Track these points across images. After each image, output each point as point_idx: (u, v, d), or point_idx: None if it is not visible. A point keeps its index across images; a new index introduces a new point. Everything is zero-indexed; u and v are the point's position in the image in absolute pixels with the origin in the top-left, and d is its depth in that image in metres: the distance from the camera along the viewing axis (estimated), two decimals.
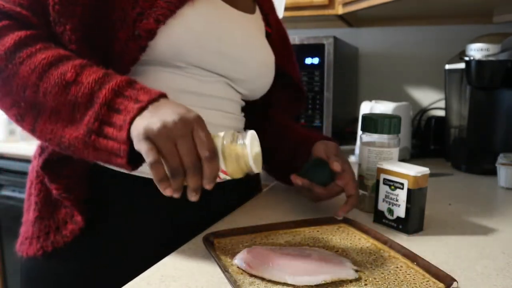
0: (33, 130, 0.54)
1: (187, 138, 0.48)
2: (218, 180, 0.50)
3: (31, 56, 0.53)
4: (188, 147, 0.47)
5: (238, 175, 0.51)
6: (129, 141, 0.49)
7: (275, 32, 0.81)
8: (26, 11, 0.55)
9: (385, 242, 0.58)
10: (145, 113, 0.49)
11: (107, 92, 0.50)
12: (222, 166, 0.50)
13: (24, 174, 1.63)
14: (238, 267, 0.50)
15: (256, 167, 0.50)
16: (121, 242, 0.63)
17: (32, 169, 0.69)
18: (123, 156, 0.49)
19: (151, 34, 0.56)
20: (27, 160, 1.62)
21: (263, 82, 0.75)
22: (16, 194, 1.66)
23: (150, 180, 0.50)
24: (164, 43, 0.58)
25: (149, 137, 0.47)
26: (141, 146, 0.47)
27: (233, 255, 0.52)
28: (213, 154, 0.48)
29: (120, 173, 0.62)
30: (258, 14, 0.78)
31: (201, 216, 0.67)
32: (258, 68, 0.72)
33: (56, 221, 0.63)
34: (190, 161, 0.47)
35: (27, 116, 0.53)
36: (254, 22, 0.75)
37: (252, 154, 0.49)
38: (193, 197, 0.49)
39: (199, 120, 0.49)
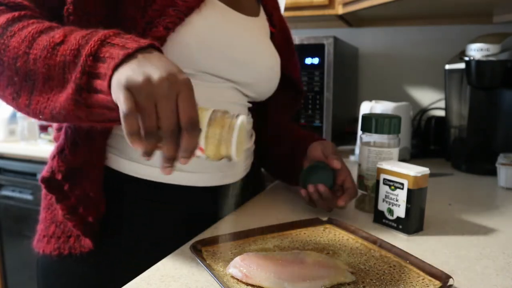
0: (29, 104, 0.51)
1: (170, 100, 0.42)
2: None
3: (22, 29, 0.51)
4: (169, 110, 0.42)
5: (215, 158, 0.47)
6: (110, 81, 0.45)
7: (278, 32, 0.82)
8: (30, 2, 0.55)
9: (374, 241, 0.58)
10: (132, 62, 0.44)
11: (94, 42, 0.47)
12: (202, 143, 0.45)
13: (24, 174, 1.63)
14: (232, 276, 0.48)
15: (237, 154, 0.46)
16: (137, 253, 0.63)
17: (55, 171, 0.67)
18: (115, 113, 0.45)
19: (161, 41, 0.57)
20: (27, 160, 1.62)
21: (270, 85, 0.76)
22: (16, 194, 1.66)
23: (165, 187, 0.51)
24: (174, 51, 0.59)
25: (129, 88, 0.42)
26: (118, 95, 0.43)
27: (224, 263, 0.52)
28: (195, 125, 0.43)
29: (135, 186, 0.63)
30: (262, 15, 0.79)
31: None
32: (266, 72, 0.73)
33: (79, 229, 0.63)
34: (167, 125, 0.42)
35: (22, 90, 0.51)
36: (260, 25, 0.76)
37: (235, 140, 0.45)
38: (166, 169, 0.45)
39: (188, 84, 0.44)
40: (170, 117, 0.42)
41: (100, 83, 0.46)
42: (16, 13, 0.53)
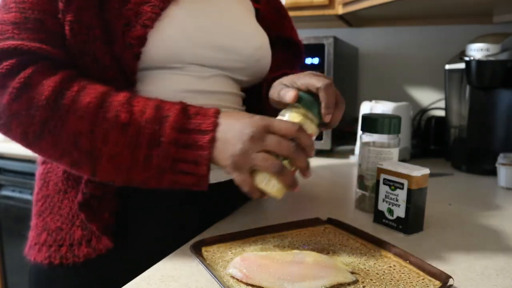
0: (93, 175, 0.55)
1: (269, 140, 0.52)
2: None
3: (75, 102, 0.52)
4: (276, 144, 0.52)
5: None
6: (209, 172, 0.53)
7: (264, 4, 0.80)
8: (46, 45, 0.54)
9: (375, 241, 0.58)
10: (218, 143, 0.53)
11: (169, 131, 0.52)
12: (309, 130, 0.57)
13: (24, 174, 1.63)
14: (232, 276, 0.48)
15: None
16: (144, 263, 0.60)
17: (46, 177, 0.67)
18: (204, 186, 0.54)
19: (142, 40, 0.56)
20: (27, 160, 1.62)
21: (262, 64, 0.73)
22: (16, 194, 1.66)
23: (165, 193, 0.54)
24: (157, 47, 0.58)
25: (237, 167, 0.52)
26: (233, 176, 0.53)
27: (224, 263, 0.51)
28: (299, 127, 0.53)
29: (140, 194, 0.62)
30: None
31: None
32: (253, 53, 0.70)
33: (72, 238, 0.63)
34: (285, 151, 0.52)
35: (83, 163, 0.53)
36: (241, 4, 0.74)
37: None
38: (307, 174, 0.55)
39: (264, 119, 0.53)
40: (281, 147, 0.52)
41: (187, 167, 0.53)
42: (57, 79, 0.53)
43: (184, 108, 0.54)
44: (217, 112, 0.55)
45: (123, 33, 0.56)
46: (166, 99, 0.56)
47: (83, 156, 0.53)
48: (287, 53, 0.86)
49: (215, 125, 0.53)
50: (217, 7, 0.67)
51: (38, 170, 0.70)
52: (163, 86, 0.61)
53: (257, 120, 0.53)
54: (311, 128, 0.57)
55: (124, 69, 0.57)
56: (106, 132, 0.52)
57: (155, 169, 0.53)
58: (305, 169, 0.54)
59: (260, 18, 0.77)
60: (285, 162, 0.53)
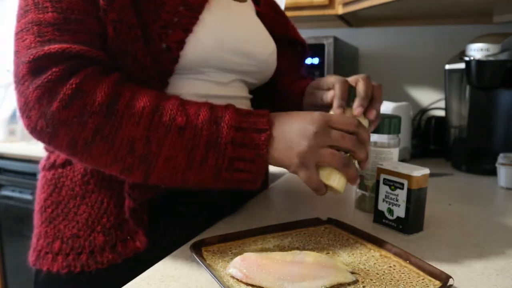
0: (145, 180, 0.54)
1: (333, 135, 0.54)
2: None
3: (129, 107, 0.51)
4: (341, 139, 0.54)
5: None
6: (265, 170, 0.55)
7: (263, 6, 0.81)
8: (90, 47, 0.53)
9: (375, 241, 0.58)
10: (276, 142, 0.54)
11: (227, 130, 0.53)
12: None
13: (24, 174, 1.63)
14: (232, 276, 0.48)
15: None
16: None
17: (58, 182, 0.65)
18: (258, 184, 0.55)
19: (181, 44, 0.56)
20: (27, 160, 1.62)
21: (271, 69, 0.76)
22: (16, 194, 1.66)
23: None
24: (193, 51, 0.58)
25: (304, 164, 0.53)
26: (300, 174, 0.55)
27: (224, 263, 0.51)
28: (358, 121, 0.55)
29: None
30: None
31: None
32: (267, 58, 0.73)
33: (92, 245, 0.61)
34: (349, 144, 0.54)
35: (136, 168, 0.52)
36: (249, 9, 0.76)
37: None
38: (365, 166, 0.57)
39: (324, 114, 0.55)
40: (345, 140, 0.54)
41: (243, 165, 0.53)
42: (109, 84, 0.51)
43: (237, 109, 0.55)
44: (268, 112, 0.56)
45: (160, 35, 0.55)
46: None
47: (137, 161, 0.52)
48: (293, 53, 0.87)
49: (271, 123, 0.55)
50: (239, 14, 0.69)
51: (44, 175, 0.67)
52: (185, 90, 0.61)
53: (318, 116, 0.54)
54: (365, 122, 0.61)
55: (160, 70, 0.57)
56: (162, 136, 0.51)
57: (212, 170, 0.53)
58: (365, 161, 0.56)
59: (262, 19, 0.78)
60: (348, 155, 0.56)
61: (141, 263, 0.56)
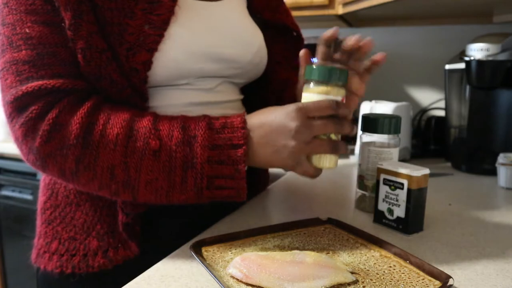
0: (134, 200, 0.56)
1: (315, 126, 0.54)
2: None
3: (103, 136, 0.53)
4: (323, 128, 0.54)
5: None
6: (246, 184, 0.55)
7: None
8: (67, 78, 0.54)
9: (375, 241, 0.58)
10: (258, 148, 0.55)
11: (201, 151, 0.53)
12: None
13: (24, 174, 1.63)
14: (232, 276, 0.48)
15: None
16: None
17: (53, 188, 0.66)
18: (243, 197, 0.56)
19: (148, 64, 0.56)
20: None
21: (259, 67, 0.72)
22: (16, 194, 1.66)
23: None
24: (162, 68, 0.58)
25: (296, 162, 0.55)
26: (295, 171, 0.57)
27: (224, 263, 0.51)
28: (334, 102, 0.55)
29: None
30: None
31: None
32: (252, 58, 0.69)
33: (86, 249, 0.62)
34: (332, 129, 0.55)
35: (122, 192, 0.55)
36: (230, 5, 0.70)
37: None
38: (352, 132, 0.57)
39: (297, 107, 0.54)
40: (325, 126, 0.54)
41: (224, 182, 0.54)
42: (82, 114, 0.53)
43: (210, 123, 0.55)
44: (243, 122, 0.55)
45: (127, 58, 0.55)
46: (175, 113, 0.58)
47: (121, 186, 0.54)
48: (286, 44, 0.81)
49: (245, 137, 0.54)
50: (212, 16, 0.65)
51: (44, 178, 0.69)
52: (170, 101, 0.62)
53: (294, 110, 0.54)
54: (340, 93, 0.58)
55: (136, 88, 0.58)
56: (139, 161, 0.53)
57: (192, 189, 0.54)
58: (351, 132, 0.57)
59: (253, 7, 0.74)
60: (332, 135, 0.57)
61: (131, 271, 0.56)
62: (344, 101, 0.58)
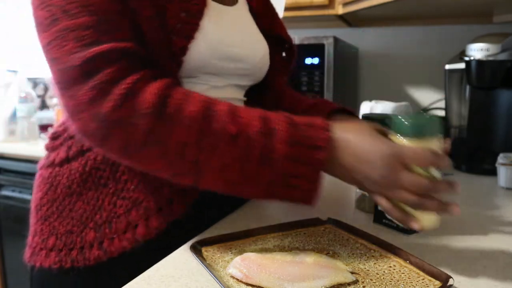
0: (194, 184, 0.53)
1: (405, 180, 0.49)
2: None
3: (180, 111, 0.50)
4: (412, 186, 0.49)
5: None
6: (320, 189, 0.52)
7: (256, 2, 0.79)
8: (130, 42, 0.52)
9: (374, 241, 0.58)
10: (332, 160, 0.51)
11: (281, 145, 0.50)
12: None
13: (24, 174, 1.63)
14: (232, 276, 0.48)
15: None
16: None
17: (54, 181, 0.66)
18: (313, 202, 0.53)
19: (184, 50, 0.57)
20: (27, 160, 1.62)
21: (263, 71, 0.76)
22: (16, 194, 1.66)
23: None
24: (194, 58, 0.59)
25: (371, 191, 0.52)
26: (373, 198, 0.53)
27: (224, 263, 0.51)
28: (434, 153, 0.52)
29: None
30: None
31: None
32: (259, 61, 0.72)
33: (83, 241, 0.62)
34: (423, 191, 0.49)
35: (186, 173, 0.51)
36: (242, 11, 0.74)
37: None
38: (456, 211, 0.51)
39: (394, 148, 0.50)
40: (417, 187, 0.49)
41: (297, 182, 0.51)
42: (159, 85, 0.50)
43: (291, 119, 0.52)
44: (327, 124, 0.52)
45: (162, 43, 0.55)
46: None
47: (187, 167, 0.51)
48: (282, 54, 0.84)
49: (329, 140, 0.51)
50: (231, 18, 0.68)
51: (41, 174, 0.68)
52: None
53: (386, 151, 0.50)
54: (437, 174, 0.53)
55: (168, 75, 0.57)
56: (214, 143, 0.50)
57: (265, 184, 0.51)
58: (447, 207, 0.51)
59: (254, 14, 0.77)
60: (433, 172, 0.52)
61: (128, 265, 0.56)
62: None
